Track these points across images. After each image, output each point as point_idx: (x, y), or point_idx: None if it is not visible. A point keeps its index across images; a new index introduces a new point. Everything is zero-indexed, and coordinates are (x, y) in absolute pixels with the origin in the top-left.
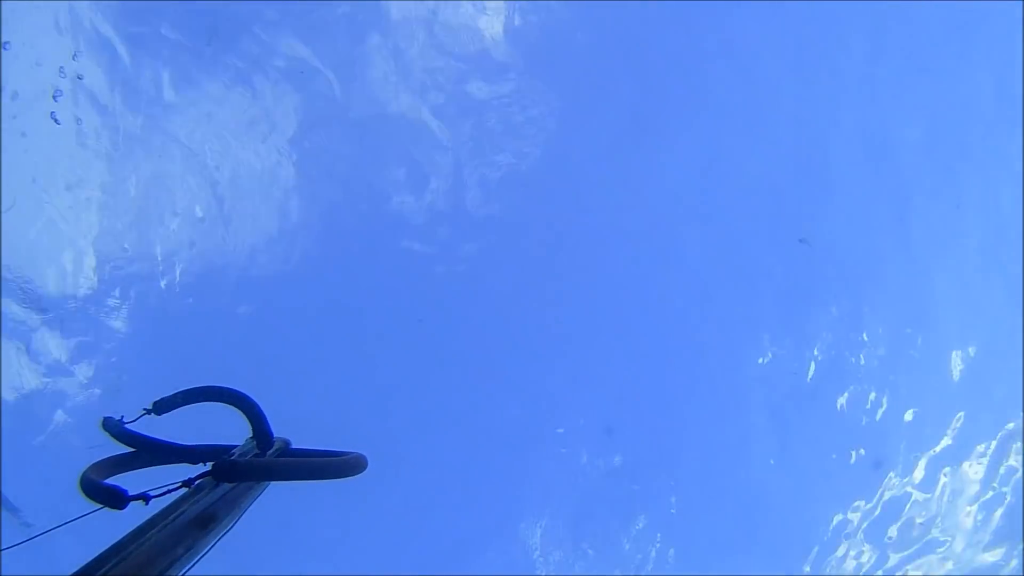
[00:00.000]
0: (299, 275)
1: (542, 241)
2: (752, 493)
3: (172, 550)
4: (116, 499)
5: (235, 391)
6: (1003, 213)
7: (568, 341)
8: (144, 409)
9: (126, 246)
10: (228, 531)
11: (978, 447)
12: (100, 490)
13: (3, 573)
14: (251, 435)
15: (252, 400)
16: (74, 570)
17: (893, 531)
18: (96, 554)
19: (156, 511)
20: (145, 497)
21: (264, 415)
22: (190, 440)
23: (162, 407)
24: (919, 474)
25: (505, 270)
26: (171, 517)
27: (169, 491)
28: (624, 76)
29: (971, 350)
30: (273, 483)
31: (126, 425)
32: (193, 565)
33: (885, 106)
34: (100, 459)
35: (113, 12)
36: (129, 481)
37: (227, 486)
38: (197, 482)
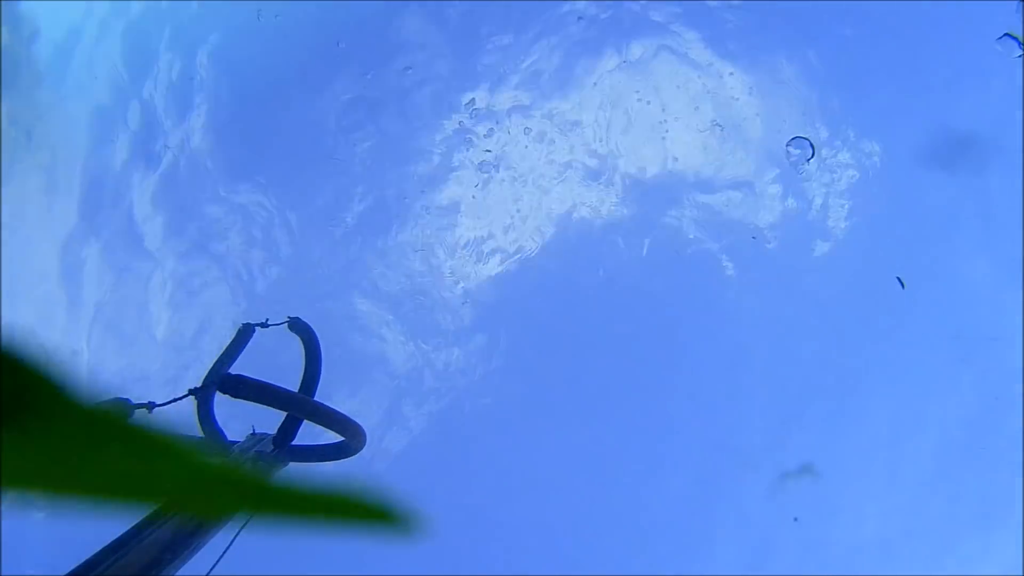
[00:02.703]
0: None
1: None
2: None
3: (170, 548)
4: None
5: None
6: None
7: None
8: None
9: None
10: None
11: None
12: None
13: (3, 573)
14: (252, 432)
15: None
16: (72, 568)
17: None
18: (95, 552)
19: (153, 510)
20: (150, 406)
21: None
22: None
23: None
24: None
25: None
26: (169, 515)
27: (176, 400)
28: None
29: None
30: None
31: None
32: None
33: None
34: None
35: None
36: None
37: None
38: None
